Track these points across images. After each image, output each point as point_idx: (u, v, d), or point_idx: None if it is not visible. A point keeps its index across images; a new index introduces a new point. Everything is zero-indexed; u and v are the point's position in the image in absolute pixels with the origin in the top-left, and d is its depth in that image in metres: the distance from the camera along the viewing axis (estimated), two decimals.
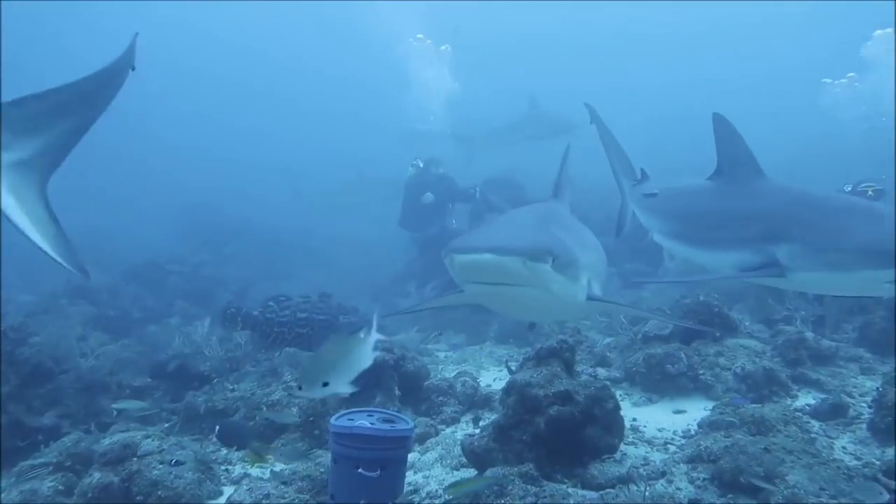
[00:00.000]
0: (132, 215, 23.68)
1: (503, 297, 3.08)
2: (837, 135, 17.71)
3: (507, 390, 4.26)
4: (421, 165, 11.90)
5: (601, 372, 6.08)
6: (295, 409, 4.71)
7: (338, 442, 3.67)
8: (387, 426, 3.82)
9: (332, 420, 3.84)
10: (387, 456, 3.62)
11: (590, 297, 3.37)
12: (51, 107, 3.18)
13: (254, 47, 40.52)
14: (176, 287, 12.84)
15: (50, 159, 3.23)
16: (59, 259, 3.04)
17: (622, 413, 4.37)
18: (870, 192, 7.19)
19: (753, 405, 4.71)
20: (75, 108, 3.29)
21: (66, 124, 3.27)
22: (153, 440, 4.21)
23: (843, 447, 4.16)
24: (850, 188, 7.55)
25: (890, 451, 3.82)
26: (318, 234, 19.38)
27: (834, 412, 4.64)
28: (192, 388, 5.75)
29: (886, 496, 3.09)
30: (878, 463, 3.54)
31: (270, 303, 6.25)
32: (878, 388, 4.51)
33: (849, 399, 4.84)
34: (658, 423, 4.88)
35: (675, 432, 4.69)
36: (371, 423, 3.82)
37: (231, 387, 5.40)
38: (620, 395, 5.39)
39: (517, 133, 15.62)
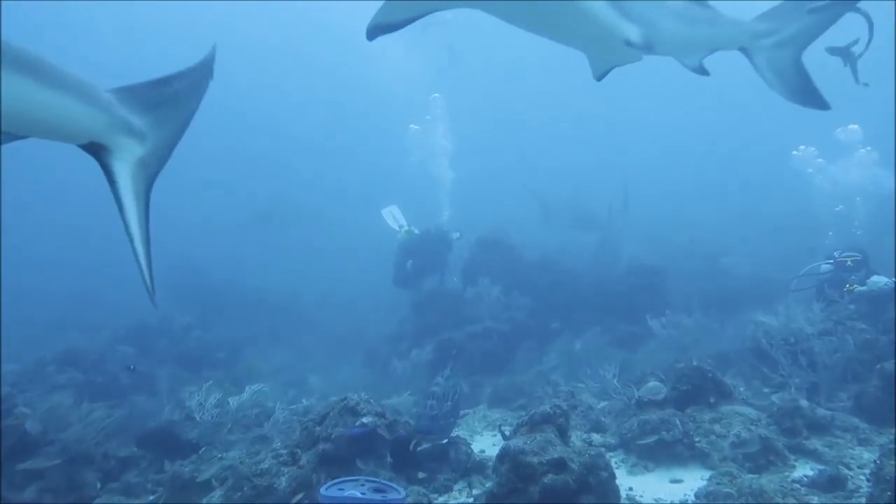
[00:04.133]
0: (117, 278, 23.59)
1: None
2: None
3: (501, 457, 4.20)
4: (416, 232, 12.21)
5: (596, 438, 6.00)
6: (284, 479, 4.60)
7: None
8: (378, 496, 3.76)
9: (322, 490, 3.77)
10: None
11: None
12: (169, 95, 2.65)
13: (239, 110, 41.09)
14: (165, 351, 12.69)
15: (160, 158, 2.66)
16: (148, 279, 2.53)
17: (618, 482, 4.30)
18: (849, 262, 7.40)
19: (751, 475, 4.64)
20: (186, 100, 2.75)
21: (178, 119, 2.74)
22: None
23: None
24: (838, 254, 7.76)
25: None
26: (306, 296, 19.32)
27: (832, 484, 4.56)
28: (179, 456, 5.61)
29: None
30: None
31: None
32: (875, 461, 4.46)
33: (847, 471, 4.77)
34: (654, 492, 4.79)
35: (671, 503, 4.59)
36: (362, 493, 3.76)
37: (219, 455, 5.28)
38: (616, 463, 5.30)
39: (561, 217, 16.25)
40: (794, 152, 16.06)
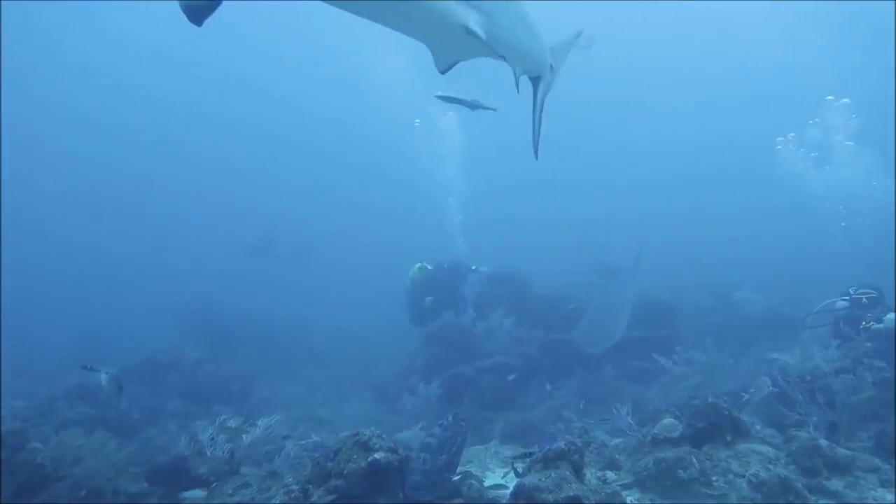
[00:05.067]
0: (130, 310, 23.68)
1: None
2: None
3: (516, 494, 4.16)
4: (429, 267, 12.26)
5: (610, 475, 5.89)
6: None
7: None
8: None
9: None
10: None
11: None
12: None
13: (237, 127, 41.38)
14: (175, 385, 12.68)
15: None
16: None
17: None
18: (864, 300, 7.35)
19: None
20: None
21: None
22: None
23: None
24: (854, 290, 7.72)
25: None
26: (316, 328, 19.31)
27: None
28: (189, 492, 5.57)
29: None
30: None
31: None
32: None
33: None
34: None
35: None
36: None
37: (230, 491, 5.24)
38: (631, 502, 5.21)
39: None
40: (779, 142, 15.90)
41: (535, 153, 4.13)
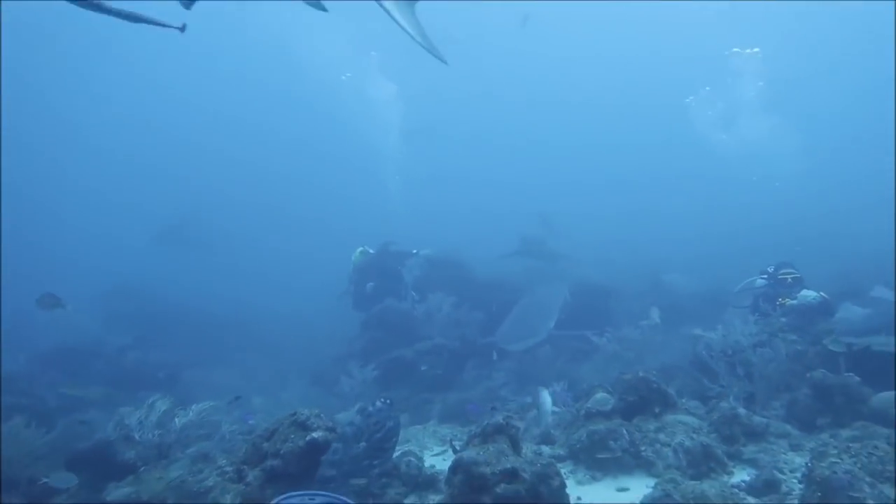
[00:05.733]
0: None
1: None
2: None
3: (454, 469, 4.19)
4: (371, 251, 12.16)
5: (545, 449, 6.06)
6: (229, 497, 4.44)
7: None
8: None
9: None
10: None
11: None
12: None
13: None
14: (99, 373, 12.08)
15: None
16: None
17: (567, 491, 4.36)
18: (789, 280, 7.82)
19: (693, 482, 4.79)
20: None
21: None
22: None
23: None
24: (771, 269, 8.19)
25: None
26: (254, 314, 18.80)
27: (767, 488, 4.77)
28: (114, 478, 5.31)
29: None
30: None
31: None
32: (806, 464, 4.71)
33: (780, 475, 5.00)
34: (602, 500, 4.87)
35: None
36: None
37: (158, 475, 5.05)
38: (565, 473, 5.36)
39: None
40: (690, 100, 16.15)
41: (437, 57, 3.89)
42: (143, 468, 5.22)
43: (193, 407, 5.92)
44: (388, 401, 5.12)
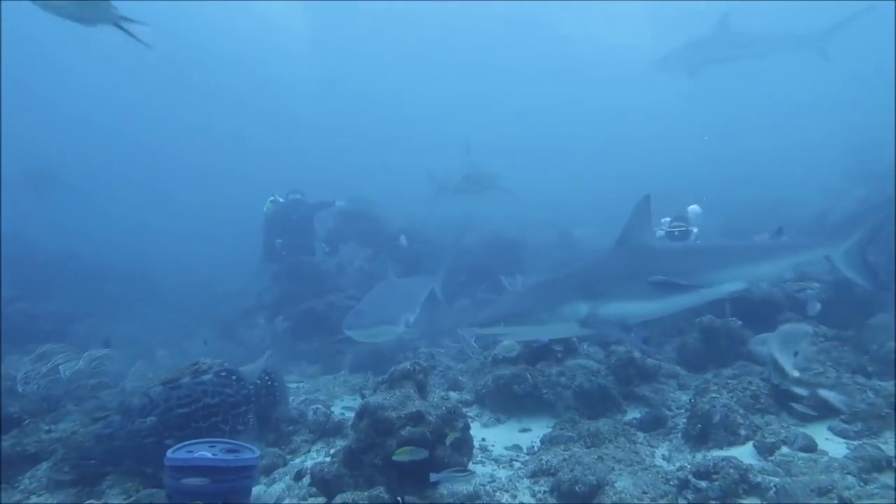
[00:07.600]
0: None
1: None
2: None
3: (360, 414, 4.20)
4: (281, 200, 11.62)
5: (453, 395, 6.22)
6: None
7: (174, 476, 3.39)
8: (230, 456, 3.60)
9: (169, 453, 3.55)
10: (229, 487, 3.41)
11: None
12: None
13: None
14: None
15: None
16: None
17: (472, 433, 4.50)
18: (676, 233, 8.26)
19: (589, 421, 5.08)
20: None
21: None
22: None
23: (663, 454, 4.61)
24: (666, 222, 8.61)
25: (699, 455, 4.30)
26: (153, 270, 17.77)
27: (656, 423, 5.15)
28: None
29: None
30: (689, 466, 3.96)
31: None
32: (690, 401, 5.12)
33: (668, 412, 5.40)
34: (505, 441, 5.08)
35: (520, 449, 4.90)
36: (213, 454, 3.59)
37: (47, 427, 4.74)
38: (471, 417, 5.55)
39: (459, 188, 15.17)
40: None
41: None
42: (28, 421, 4.86)
43: (85, 355, 5.55)
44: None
